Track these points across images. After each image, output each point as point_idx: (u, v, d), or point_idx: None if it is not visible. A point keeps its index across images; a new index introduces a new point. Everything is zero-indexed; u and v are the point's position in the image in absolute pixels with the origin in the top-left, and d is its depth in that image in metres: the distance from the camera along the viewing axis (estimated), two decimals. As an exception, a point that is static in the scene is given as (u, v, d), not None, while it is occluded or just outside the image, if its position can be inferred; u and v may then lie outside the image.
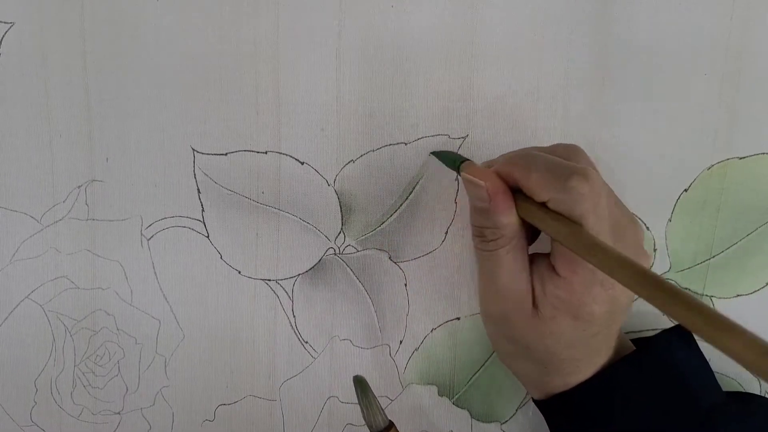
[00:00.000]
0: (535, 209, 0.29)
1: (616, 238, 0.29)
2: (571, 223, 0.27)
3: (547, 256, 0.31)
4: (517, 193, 0.30)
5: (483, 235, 0.31)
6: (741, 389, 0.39)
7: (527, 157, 0.29)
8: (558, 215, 0.28)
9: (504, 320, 0.31)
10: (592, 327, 0.30)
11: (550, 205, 0.28)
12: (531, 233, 0.32)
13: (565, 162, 0.29)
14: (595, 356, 0.32)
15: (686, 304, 0.22)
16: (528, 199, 0.29)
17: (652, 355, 0.33)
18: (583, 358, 0.32)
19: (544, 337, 0.30)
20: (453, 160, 0.34)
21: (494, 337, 0.34)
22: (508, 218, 0.29)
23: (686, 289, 0.38)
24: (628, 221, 0.31)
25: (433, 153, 0.36)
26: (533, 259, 0.31)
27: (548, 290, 0.30)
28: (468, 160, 0.33)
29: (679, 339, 0.34)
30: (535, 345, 0.31)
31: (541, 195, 0.28)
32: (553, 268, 0.30)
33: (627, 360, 0.32)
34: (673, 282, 0.37)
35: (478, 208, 0.31)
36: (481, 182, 0.30)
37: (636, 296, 0.29)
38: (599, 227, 0.28)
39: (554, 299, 0.30)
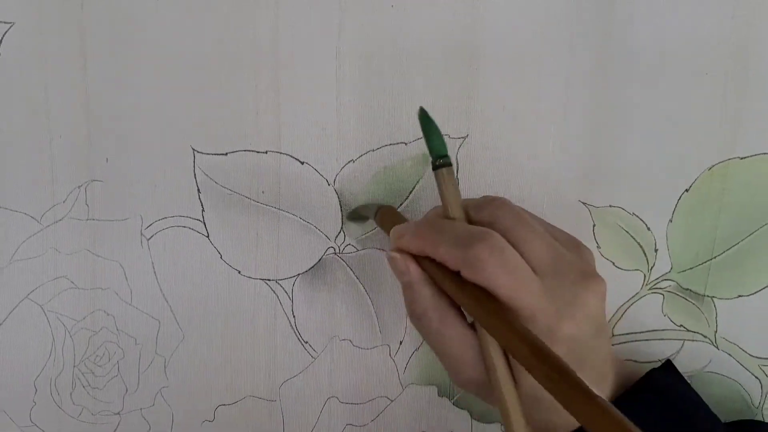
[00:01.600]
0: (451, 285, 0.29)
1: (548, 274, 0.29)
2: (488, 300, 0.27)
3: None
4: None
5: (415, 313, 0.30)
6: (742, 391, 0.38)
7: (435, 229, 0.30)
8: (474, 292, 0.28)
9: (482, 386, 0.30)
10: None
11: (463, 275, 0.28)
12: None
13: (470, 230, 0.29)
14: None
15: (582, 394, 0.22)
16: (442, 269, 0.29)
17: (652, 391, 0.32)
18: None
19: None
20: (371, 212, 0.35)
21: (487, 400, 0.32)
22: (427, 288, 0.30)
23: (687, 290, 0.38)
24: (566, 251, 0.30)
25: (350, 214, 0.37)
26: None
27: None
28: (385, 206, 0.34)
29: (673, 375, 0.34)
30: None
31: (453, 266, 0.28)
32: None
33: (627, 396, 0.32)
34: (674, 282, 0.37)
35: (403, 283, 0.31)
36: (398, 257, 0.30)
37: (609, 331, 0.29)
38: (513, 285, 0.27)
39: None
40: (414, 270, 0.30)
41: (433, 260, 0.30)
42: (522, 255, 0.29)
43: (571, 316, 0.28)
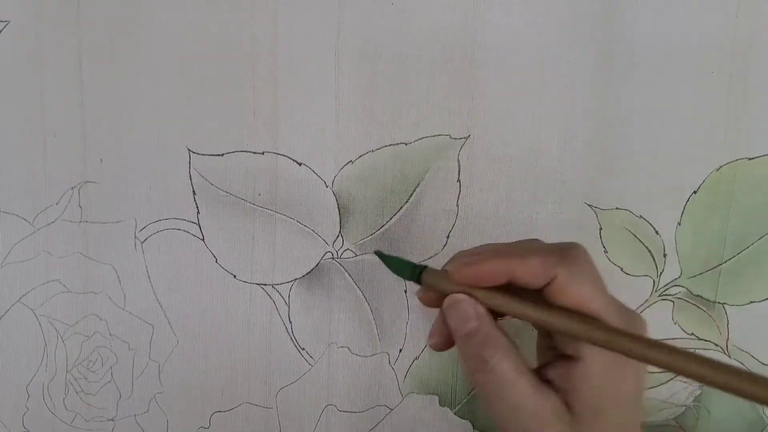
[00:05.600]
0: (532, 310, 0.26)
1: (613, 301, 0.27)
2: (578, 314, 0.26)
3: (556, 355, 0.28)
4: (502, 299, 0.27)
5: (481, 360, 0.27)
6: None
7: (516, 246, 0.28)
8: (559, 308, 0.26)
9: None
10: (636, 407, 0.27)
11: (556, 284, 0.26)
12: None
13: (557, 243, 0.28)
14: None
15: (723, 370, 0.23)
16: (512, 298, 0.27)
17: None
18: None
19: None
20: (408, 269, 0.30)
21: None
22: (500, 333, 0.27)
23: (698, 296, 0.36)
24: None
25: (378, 253, 0.31)
26: (544, 367, 0.28)
27: (577, 384, 0.26)
28: (426, 267, 0.29)
29: None
30: None
31: (545, 276, 0.26)
32: (569, 357, 0.27)
33: None
34: (684, 289, 0.36)
35: (469, 332, 0.27)
36: (466, 299, 0.27)
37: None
38: (605, 296, 0.26)
39: (588, 389, 0.26)
40: (483, 313, 0.27)
41: (495, 293, 0.27)
42: None
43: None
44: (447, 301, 0.28)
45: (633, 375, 0.27)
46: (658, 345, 0.24)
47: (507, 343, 0.27)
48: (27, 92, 0.36)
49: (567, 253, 0.26)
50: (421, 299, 0.30)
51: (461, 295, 0.27)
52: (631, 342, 0.24)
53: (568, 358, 0.27)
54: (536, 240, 0.29)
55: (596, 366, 0.26)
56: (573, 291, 0.26)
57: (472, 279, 0.27)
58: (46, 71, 0.36)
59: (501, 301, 0.27)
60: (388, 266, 0.31)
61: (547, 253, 0.26)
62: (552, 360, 0.28)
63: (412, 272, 0.29)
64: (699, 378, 0.23)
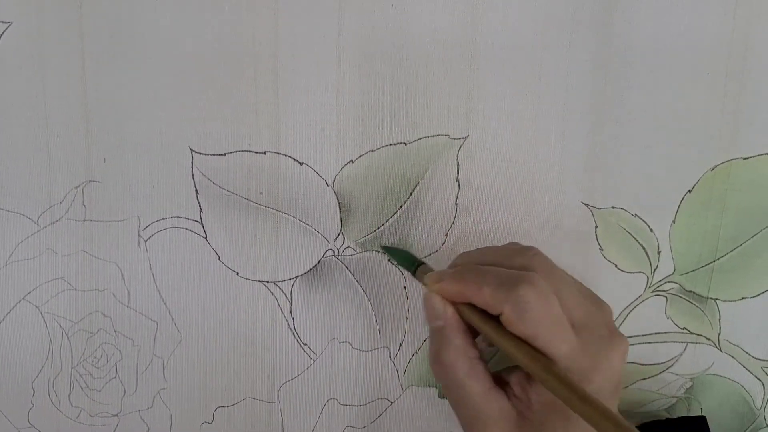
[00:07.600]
0: (491, 329, 0.29)
1: (581, 328, 0.29)
2: (528, 347, 0.28)
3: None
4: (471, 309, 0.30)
5: (443, 361, 0.30)
6: (745, 393, 0.38)
7: (477, 273, 0.30)
8: (516, 338, 0.28)
9: None
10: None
11: (504, 318, 0.28)
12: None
13: (513, 273, 0.29)
14: None
15: None
16: (480, 315, 0.29)
17: None
18: None
19: None
20: (409, 262, 0.34)
21: None
22: (460, 336, 0.30)
23: (690, 292, 0.37)
24: (594, 307, 0.31)
25: (384, 248, 0.37)
26: (508, 371, 0.31)
27: (531, 396, 0.29)
28: (424, 263, 0.33)
29: None
30: None
31: (495, 308, 0.28)
32: (527, 374, 0.29)
33: None
34: (677, 285, 0.37)
35: (434, 329, 0.31)
36: (437, 298, 0.30)
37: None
38: (553, 334, 0.27)
39: (539, 405, 0.28)
40: (451, 314, 0.30)
41: (469, 306, 0.30)
42: None
43: (599, 372, 0.28)
44: (424, 293, 0.31)
45: None
46: (583, 398, 0.25)
47: (464, 346, 0.30)
48: (30, 93, 0.36)
49: (516, 289, 0.28)
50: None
51: (434, 293, 0.30)
52: (559, 386, 0.26)
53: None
54: (525, 249, 0.31)
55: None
56: (519, 328, 0.27)
57: (440, 293, 0.30)
58: (49, 72, 0.36)
59: (470, 314, 0.30)
60: (395, 257, 0.36)
61: (498, 286, 0.28)
62: (515, 367, 0.30)
63: (411, 265, 0.34)
64: None
